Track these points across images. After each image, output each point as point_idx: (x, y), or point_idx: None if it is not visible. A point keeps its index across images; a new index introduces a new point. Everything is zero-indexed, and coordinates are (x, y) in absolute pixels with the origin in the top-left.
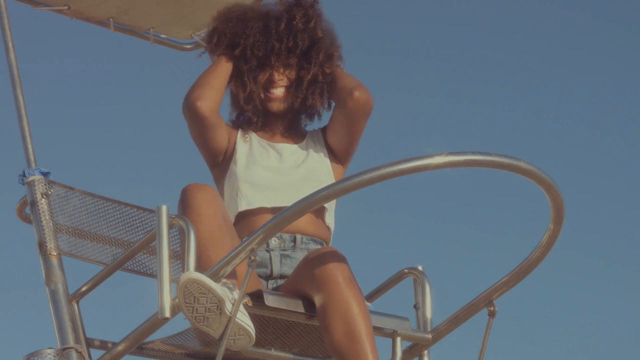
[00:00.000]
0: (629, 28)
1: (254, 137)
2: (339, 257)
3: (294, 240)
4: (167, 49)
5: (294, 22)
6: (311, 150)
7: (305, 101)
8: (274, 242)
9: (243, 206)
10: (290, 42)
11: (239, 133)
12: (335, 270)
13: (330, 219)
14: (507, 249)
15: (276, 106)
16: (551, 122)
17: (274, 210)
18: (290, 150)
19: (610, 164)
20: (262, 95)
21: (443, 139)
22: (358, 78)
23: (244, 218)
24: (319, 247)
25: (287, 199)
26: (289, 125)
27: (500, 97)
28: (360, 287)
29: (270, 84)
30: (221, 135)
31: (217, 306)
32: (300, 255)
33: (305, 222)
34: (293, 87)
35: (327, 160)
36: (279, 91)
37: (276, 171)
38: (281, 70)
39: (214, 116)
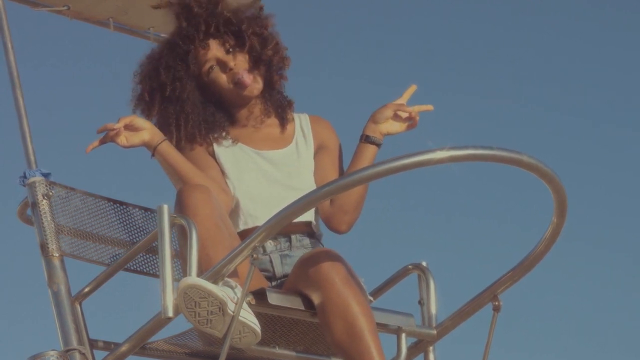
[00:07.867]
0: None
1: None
2: (333, 257)
3: (289, 240)
4: None
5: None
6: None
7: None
8: (270, 245)
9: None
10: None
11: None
12: (330, 271)
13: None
14: (511, 243)
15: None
16: (554, 114)
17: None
18: (278, 155)
19: (614, 155)
20: (232, 85)
21: (443, 134)
22: (357, 75)
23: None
24: (316, 242)
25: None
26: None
27: (501, 90)
28: (363, 284)
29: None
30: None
31: (219, 308)
32: (299, 253)
33: (296, 221)
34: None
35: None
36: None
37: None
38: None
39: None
